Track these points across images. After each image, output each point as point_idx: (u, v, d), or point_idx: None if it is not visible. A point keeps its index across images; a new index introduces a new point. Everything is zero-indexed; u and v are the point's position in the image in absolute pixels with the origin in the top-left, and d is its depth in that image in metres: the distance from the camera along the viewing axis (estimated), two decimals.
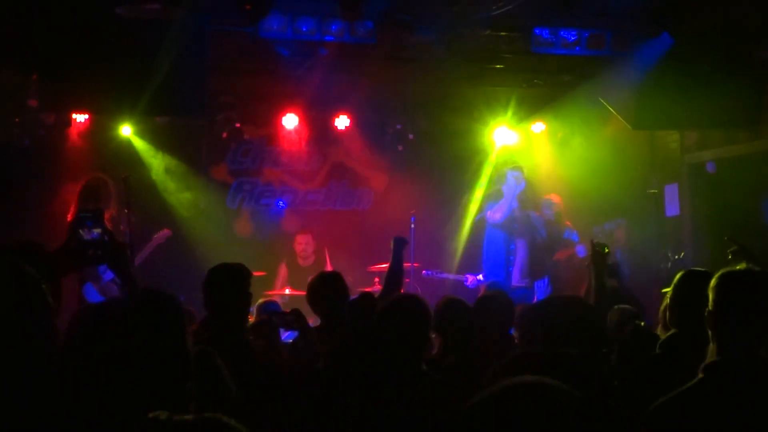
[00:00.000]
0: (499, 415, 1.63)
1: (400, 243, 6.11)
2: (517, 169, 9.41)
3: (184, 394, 2.15)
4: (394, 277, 6.04)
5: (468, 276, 9.86)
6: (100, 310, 2.51)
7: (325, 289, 5.47)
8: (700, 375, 2.81)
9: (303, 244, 10.42)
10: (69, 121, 9.87)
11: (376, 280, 9.74)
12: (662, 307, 4.36)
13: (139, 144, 10.33)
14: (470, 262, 10.30)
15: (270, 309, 6.05)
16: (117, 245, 3.20)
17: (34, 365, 2.30)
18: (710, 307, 2.87)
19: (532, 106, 11.19)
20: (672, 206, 10.85)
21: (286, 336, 5.80)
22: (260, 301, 6.71)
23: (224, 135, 10.85)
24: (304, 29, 7.66)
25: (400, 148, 11.46)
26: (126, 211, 7.46)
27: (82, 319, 2.41)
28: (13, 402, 2.26)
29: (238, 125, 10.87)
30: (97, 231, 3.14)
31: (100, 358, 2.17)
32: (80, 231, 3.14)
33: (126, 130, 10.15)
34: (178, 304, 2.37)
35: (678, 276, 3.81)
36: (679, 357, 3.53)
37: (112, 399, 2.13)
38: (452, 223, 11.29)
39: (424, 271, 10.08)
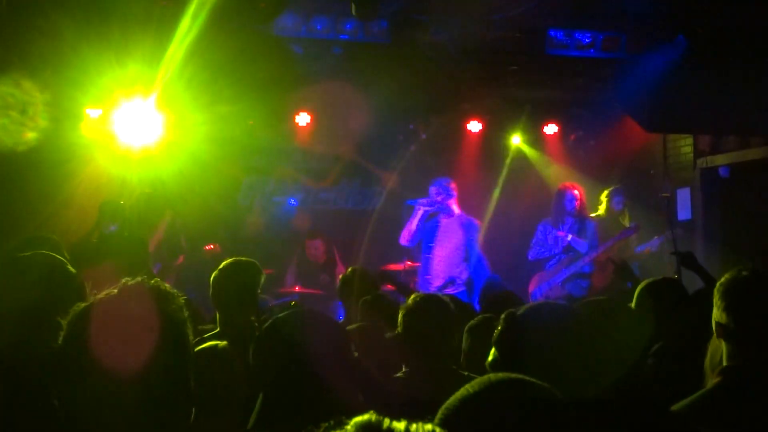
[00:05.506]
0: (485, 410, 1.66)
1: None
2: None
3: (186, 391, 2.14)
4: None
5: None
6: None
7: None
8: (718, 378, 2.77)
9: (312, 248, 10.37)
10: (81, 116, 9.88)
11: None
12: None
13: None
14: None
15: (261, 306, 5.94)
16: (136, 240, 3.20)
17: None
18: (725, 314, 2.80)
19: (546, 107, 11.17)
20: (684, 210, 10.82)
21: None
22: None
23: (237, 132, 10.85)
24: (318, 28, 7.66)
25: (412, 148, 11.44)
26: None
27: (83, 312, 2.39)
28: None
29: (251, 122, 10.87)
30: (115, 225, 3.16)
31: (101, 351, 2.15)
32: (101, 225, 3.16)
33: None
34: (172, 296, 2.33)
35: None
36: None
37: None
38: None
39: None
